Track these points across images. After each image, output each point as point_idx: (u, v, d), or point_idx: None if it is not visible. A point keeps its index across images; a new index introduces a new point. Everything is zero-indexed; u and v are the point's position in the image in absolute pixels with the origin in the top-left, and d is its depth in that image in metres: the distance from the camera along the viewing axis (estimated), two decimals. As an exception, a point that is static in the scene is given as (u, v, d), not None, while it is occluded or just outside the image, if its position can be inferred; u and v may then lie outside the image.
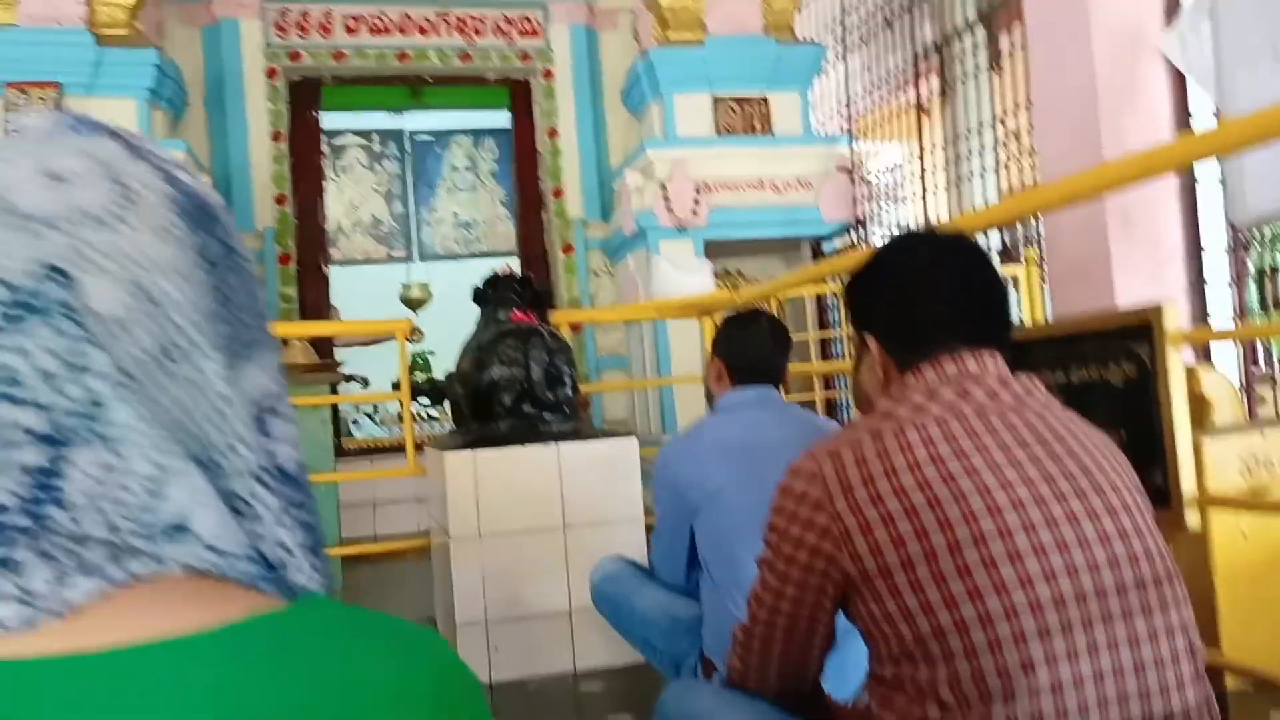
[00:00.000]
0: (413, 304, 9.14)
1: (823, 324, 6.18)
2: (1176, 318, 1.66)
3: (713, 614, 2.12)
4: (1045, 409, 1.34)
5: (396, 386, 6.97)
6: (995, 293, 1.42)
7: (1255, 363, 3.24)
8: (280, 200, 6.70)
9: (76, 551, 0.49)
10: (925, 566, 1.20)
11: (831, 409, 6.00)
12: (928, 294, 1.39)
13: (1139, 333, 1.68)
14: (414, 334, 7.17)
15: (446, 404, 8.01)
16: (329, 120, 7.82)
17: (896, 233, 1.51)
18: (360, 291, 8.74)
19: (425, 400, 8.84)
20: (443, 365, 9.12)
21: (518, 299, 3.24)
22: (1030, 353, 1.95)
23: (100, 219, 0.53)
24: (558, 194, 7.09)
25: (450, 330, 7.88)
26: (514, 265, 7.42)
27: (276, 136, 6.73)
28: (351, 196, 10.18)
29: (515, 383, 2.98)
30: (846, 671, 1.81)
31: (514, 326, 3.08)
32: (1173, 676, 1.19)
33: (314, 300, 6.71)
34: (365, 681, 0.52)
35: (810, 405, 5.45)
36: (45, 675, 0.47)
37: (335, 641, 0.53)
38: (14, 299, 0.49)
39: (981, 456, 1.26)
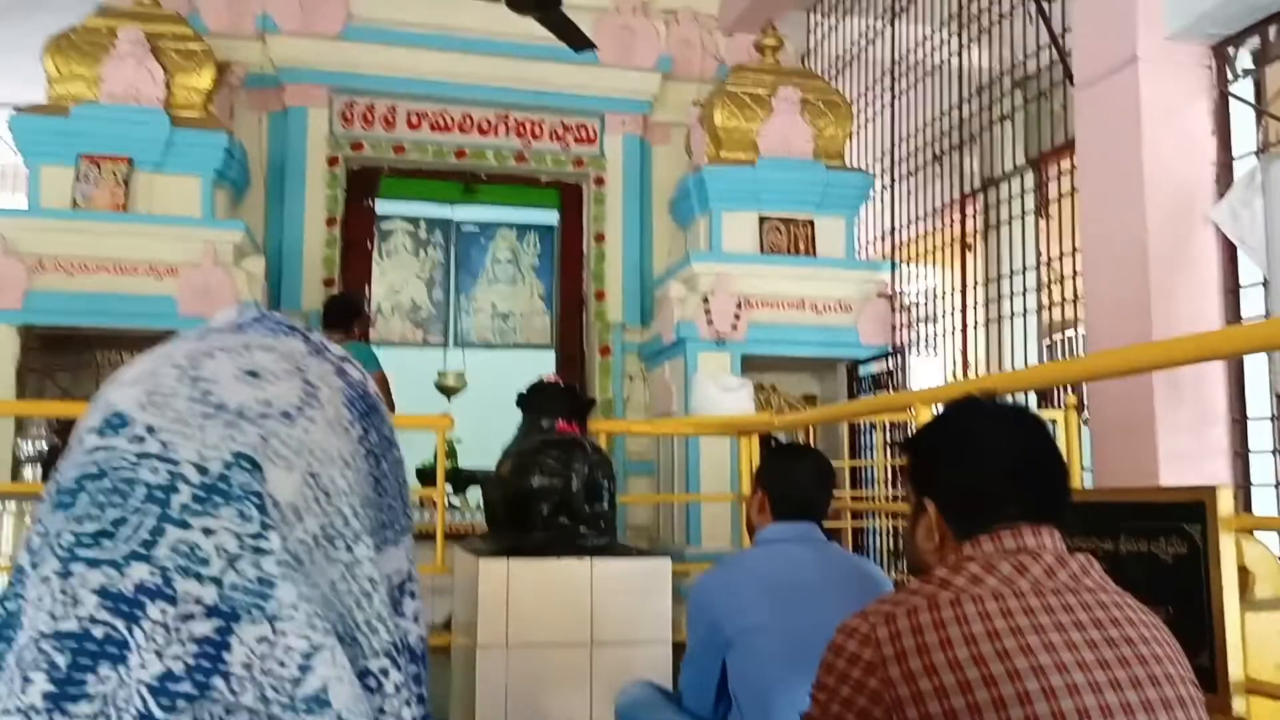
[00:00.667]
0: (447, 391, 9.21)
1: (854, 451, 6.19)
2: (1230, 502, 1.67)
3: (740, 750, 2.10)
4: (1101, 590, 1.35)
5: (421, 472, 7.02)
6: (1057, 469, 1.45)
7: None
8: (328, 283, 6.84)
9: None
10: (996, 738, 1.20)
11: (858, 539, 5.98)
12: (991, 466, 1.42)
13: (1192, 512, 1.69)
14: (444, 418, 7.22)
15: (467, 494, 8.02)
16: (382, 207, 8.03)
17: (960, 398, 1.55)
18: (394, 374, 8.83)
19: (449, 488, 8.85)
20: (469, 453, 9.15)
21: (562, 408, 3.29)
22: (1081, 517, 1.97)
23: (288, 414, 0.58)
24: (600, 296, 7.21)
25: (479, 419, 7.94)
26: (551, 366, 7.51)
27: (330, 222, 6.91)
28: (393, 280, 10.37)
29: (554, 493, 3.01)
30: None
31: (558, 437, 3.12)
32: None
33: (352, 382, 6.78)
34: None
35: (839, 534, 5.43)
36: None
37: None
38: (206, 482, 0.54)
39: (1038, 636, 1.27)
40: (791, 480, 2.33)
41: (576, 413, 3.35)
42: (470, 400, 9.31)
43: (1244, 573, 2.49)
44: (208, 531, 0.54)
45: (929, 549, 1.47)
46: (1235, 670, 1.65)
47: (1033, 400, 4.91)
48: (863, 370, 6.45)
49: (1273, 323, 1.67)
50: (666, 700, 2.48)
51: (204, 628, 0.53)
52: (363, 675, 0.61)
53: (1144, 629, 1.32)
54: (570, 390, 3.42)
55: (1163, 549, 1.75)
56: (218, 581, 0.53)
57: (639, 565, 2.97)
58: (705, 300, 6.08)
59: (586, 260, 7.36)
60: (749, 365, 6.25)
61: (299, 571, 0.56)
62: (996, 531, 1.38)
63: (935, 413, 1.51)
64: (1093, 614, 1.31)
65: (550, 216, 8.19)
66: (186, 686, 0.52)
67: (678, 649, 2.40)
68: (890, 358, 6.22)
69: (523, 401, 3.44)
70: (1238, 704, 1.65)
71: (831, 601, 2.07)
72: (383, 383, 5.63)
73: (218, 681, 0.52)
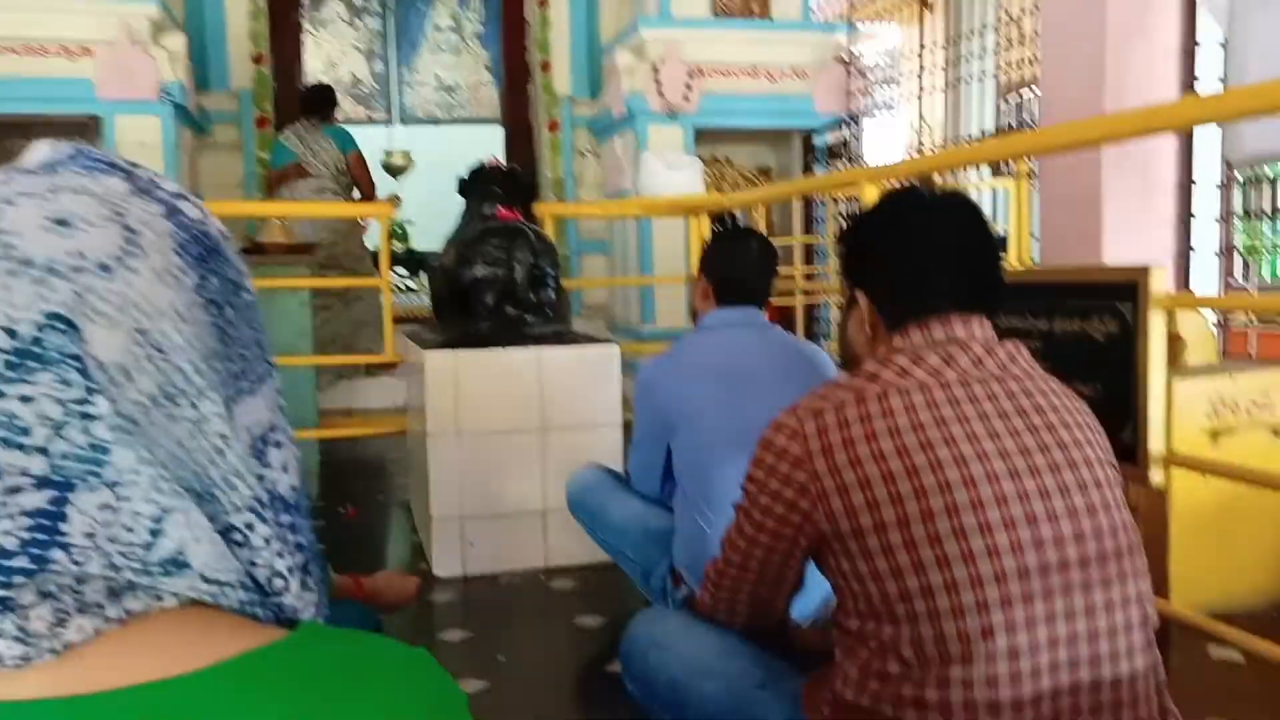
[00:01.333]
0: (394, 171, 8.98)
1: (808, 226, 6.14)
2: (1161, 281, 1.67)
3: (684, 528, 2.18)
4: (1027, 378, 1.36)
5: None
6: (989, 259, 1.42)
7: (1231, 274, 3.27)
8: (258, 59, 6.47)
9: (78, 590, 0.51)
10: (898, 532, 1.24)
11: (810, 319, 6.04)
12: (922, 257, 1.39)
13: (1125, 292, 1.69)
14: (394, 202, 7.07)
15: (424, 276, 7.96)
16: (309, -28, 7.49)
17: (895, 188, 1.50)
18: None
19: (403, 271, 8.79)
20: (422, 234, 9.01)
21: (503, 194, 3.19)
22: (1018, 297, 1.96)
23: (105, 265, 0.53)
24: (545, 68, 6.89)
25: (430, 198, 7.76)
26: (500, 142, 7.27)
27: (254, -9, 6.45)
28: (329, 53, 9.86)
29: (498, 283, 2.97)
30: (806, 590, 1.88)
31: (499, 225, 3.04)
32: (1123, 644, 1.24)
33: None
34: (361, 714, 0.54)
35: (791, 312, 5.47)
36: (40, 718, 0.49)
37: (329, 675, 0.56)
38: (18, 347, 0.50)
39: (961, 427, 1.28)
40: (732, 265, 2.30)
41: (518, 197, 3.26)
42: (419, 178, 9.09)
43: (1177, 341, 2.53)
44: (25, 399, 0.50)
45: (861, 341, 1.46)
46: (1156, 444, 1.70)
47: (986, 170, 4.85)
48: (817, 140, 6.31)
49: (1223, 95, 1.61)
50: (615, 482, 2.55)
51: (35, 499, 0.50)
52: (227, 532, 0.58)
53: (1066, 414, 1.34)
54: (511, 174, 3.30)
55: (1095, 328, 1.76)
56: (44, 451, 0.50)
57: (587, 352, 2.98)
58: (655, 70, 5.83)
59: (530, 28, 6.98)
60: (702, 138, 6.09)
61: (136, 434, 0.53)
62: (926, 322, 1.37)
63: (883, 190, 1.45)
64: (1016, 402, 1.32)
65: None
66: (22, 561, 0.49)
67: (630, 431, 2.44)
68: (846, 126, 6.07)
69: (463, 187, 3.34)
70: (1156, 475, 1.71)
71: (773, 385, 2.10)
72: (360, 163, 5.51)
73: (57, 554, 0.50)
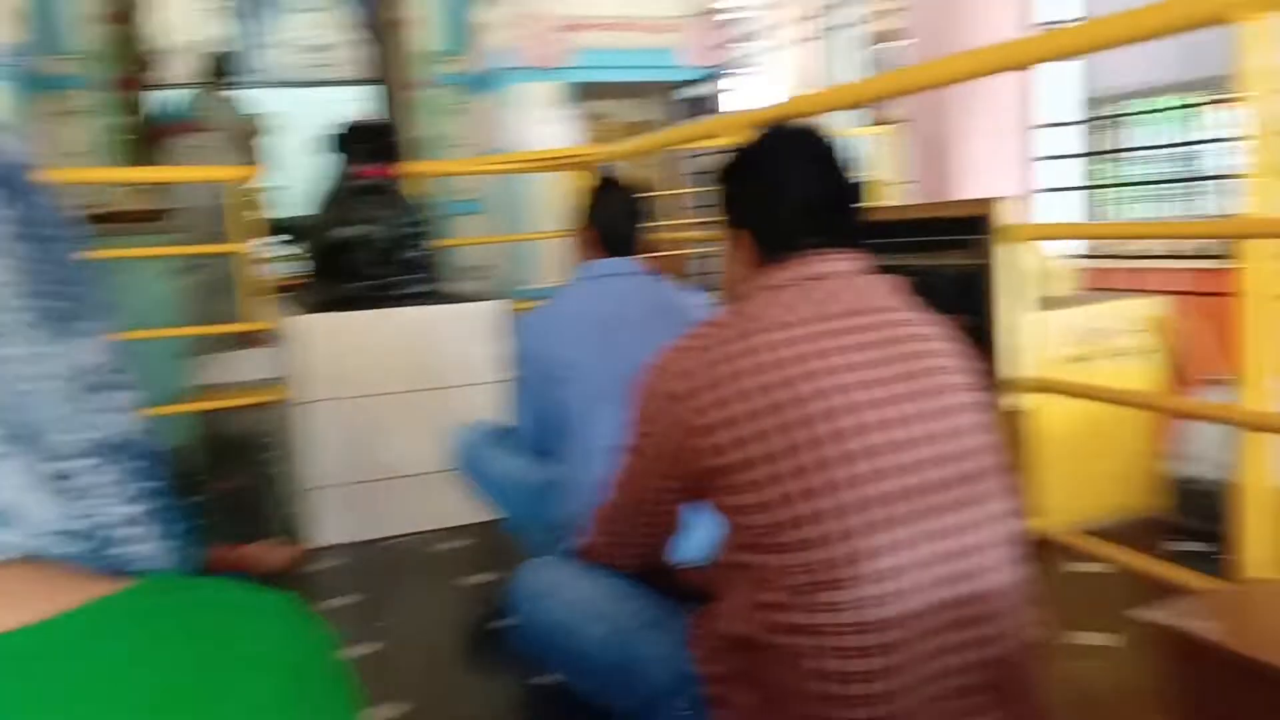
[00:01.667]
0: (254, 135, 8.59)
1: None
2: (1011, 213, 1.73)
3: (569, 480, 2.17)
4: (892, 310, 1.39)
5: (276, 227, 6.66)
6: (851, 196, 1.45)
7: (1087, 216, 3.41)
8: (108, 19, 6.10)
9: None
10: (765, 468, 1.25)
11: (702, 268, 6.06)
12: (792, 193, 1.41)
13: (979, 225, 1.74)
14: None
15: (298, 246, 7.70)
16: (153, -72, 7.06)
17: (766, 127, 1.51)
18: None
19: (284, 238, 8.44)
20: (295, 200, 8.67)
21: (369, 151, 3.09)
22: (878, 235, 2.00)
23: None
24: (409, 24, 6.68)
25: (301, 164, 7.47)
26: (369, 107, 7.04)
27: (94, -54, 6.05)
28: (187, 13, 9.36)
29: (368, 243, 2.89)
30: (691, 533, 1.91)
31: (366, 183, 2.95)
32: (989, 560, 1.29)
33: (146, 131, 6.23)
34: (217, 666, 0.52)
35: (681, 262, 5.49)
36: None
37: (182, 620, 0.53)
38: None
39: (820, 361, 1.30)
40: (607, 215, 2.29)
41: (386, 155, 3.16)
42: (288, 142, 8.74)
43: (1035, 275, 2.64)
44: None
45: (736, 278, 1.47)
46: (1015, 370, 1.77)
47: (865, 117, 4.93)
48: (689, 93, 6.31)
49: (1064, 31, 1.67)
50: (500, 438, 2.53)
51: None
52: (54, 479, 0.55)
53: (929, 341, 1.38)
54: (377, 130, 3.21)
55: (954, 261, 1.82)
56: None
57: (464, 309, 2.93)
58: (523, 23, 5.73)
59: (392, -19, 6.75)
60: (581, 94, 6.02)
61: None
62: (794, 258, 1.39)
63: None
64: (879, 332, 1.35)
65: (349, -67, 7.39)
66: None
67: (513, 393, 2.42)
68: (717, 79, 6.08)
69: (331, 145, 3.22)
70: (1016, 400, 1.78)
71: (652, 332, 2.09)
72: (252, 130, 5.27)
73: None
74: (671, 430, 1.35)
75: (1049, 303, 2.59)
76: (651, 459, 1.39)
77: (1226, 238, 1.40)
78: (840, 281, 1.38)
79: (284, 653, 0.56)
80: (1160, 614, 1.17)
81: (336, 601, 2.37)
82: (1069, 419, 2.47)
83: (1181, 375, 2.63)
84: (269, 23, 9.55)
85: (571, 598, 1.55)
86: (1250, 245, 1.35)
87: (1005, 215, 1.70)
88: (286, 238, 8.21)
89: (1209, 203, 3.07)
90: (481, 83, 6.28)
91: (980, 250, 1.73)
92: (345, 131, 3.14)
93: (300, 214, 6.18)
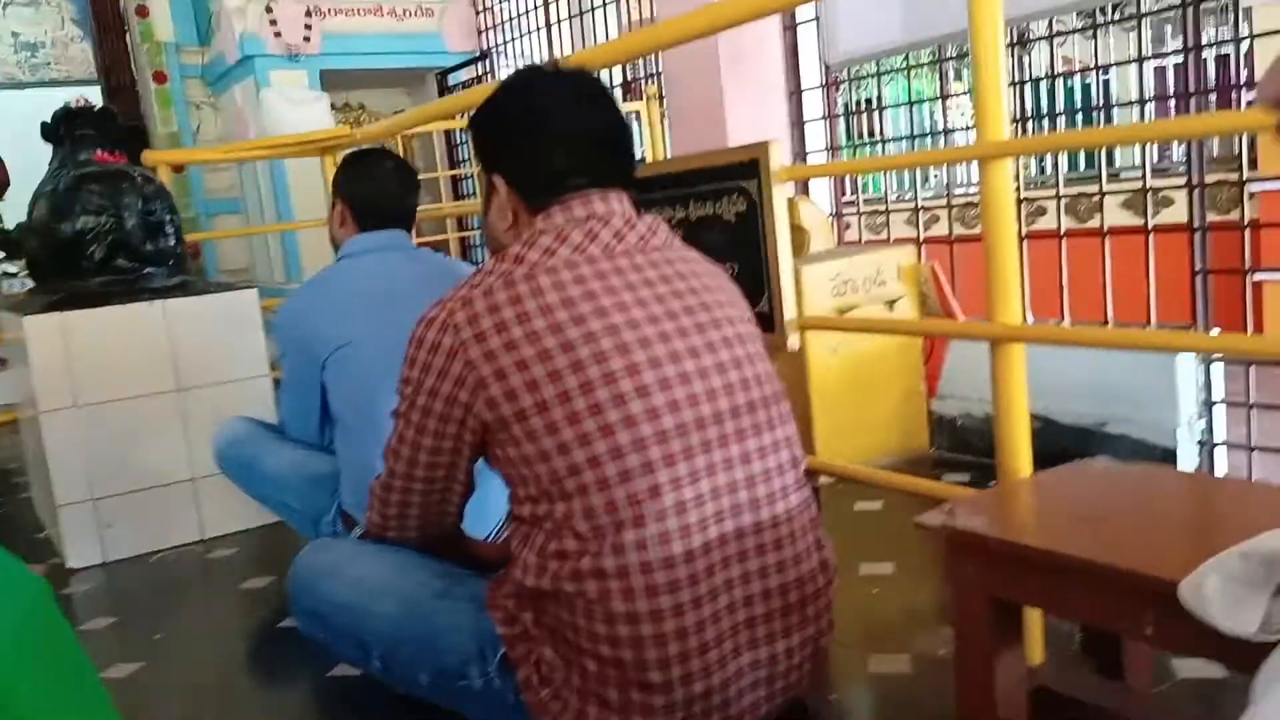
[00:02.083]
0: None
1: (453, 162, 6.03)
2: (780, 156, 1.77)
3: (350, 467, 2.06)
4: (667, 248, 1.39)
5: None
6: (621, 133, 1.43)
7: (844, 192, 3.58)
8: None
9: None
10: (560, 408, 1.22)
11: (465, 250, 5.95)
12: (556, 134, 1.37)
13: (748, 170, 1.77)
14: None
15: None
16: None
17: (521, 68, 1.46)
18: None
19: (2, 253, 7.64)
20: (14, 210, 7.85)
21: (100, 137, 2.82)
22: (651, 190, 2.01)
23: None
24: (142, 13, 6.22)
25: (19, 172, 6.77)
26: (92, 97, 6.48)
27: None
28: None
29: (105, 233, 2.63)
30: (486, 509, 1.84)
31: (99, 169, 2.69)
32: (778, 486, 1.31)
33: None
34: None
35: (444, 247, 5.36)
36: None
37: None
38: None
39: (610, 298, 1.28)
40: (371, 187, 2.18)
41: (119, 141, 2.90)
42: (4, 149, 7.92)
43: (800, 232, 2.74)
44: None
45: (504, 227, 1.42)
46: (789, 310, 1.81)
47: (618, 95, 4.98)
48: (452, 79, 6.19)
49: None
50: (267, 431, 2.37)
51: None
52: None
53: (706, 279, 1.38)
54: (107, 114, 2.93)
55: (726, 209, 1.84)
56: None
57: (220, 301, 2.73)
58: (269, 9, 5.44)
59: (117, -32, 6.26)
60: (331, 82, 5.78)
61: None
62: (567, 201, 1.36)
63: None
64: (660, 270, 1.34)
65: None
66: None
67: (277, 388, 2.27)
68: (479, 62, 5.99)
69: (49, 133, 2.92)
70: (792, 340, 1.83)
71: (426, 306, 2.02)
72: None
73: None
74: (449, 383, 1.29)
75: (815, 257, 2.69)
76: (427, 417, 1.32)
77: (967, 159, 1.48)
78: (617, 221, 1.36)
79: None
80: (936, 517, 1.22)
81: (93, 624, 2.15)
82: (839, 366, 2.58)
83: (938, 317, 2.80)
84: (-26, 18, 8.64)
85: (356, 575, 1.46)
86: (990, 172, 1.43)
87: (775, 158, 1.74)
88: (13, 254, 7.47)
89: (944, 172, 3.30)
90: (227, 73, 5.92)
91: (753, 193, 1.76)
92: (62, 117, 2.85)
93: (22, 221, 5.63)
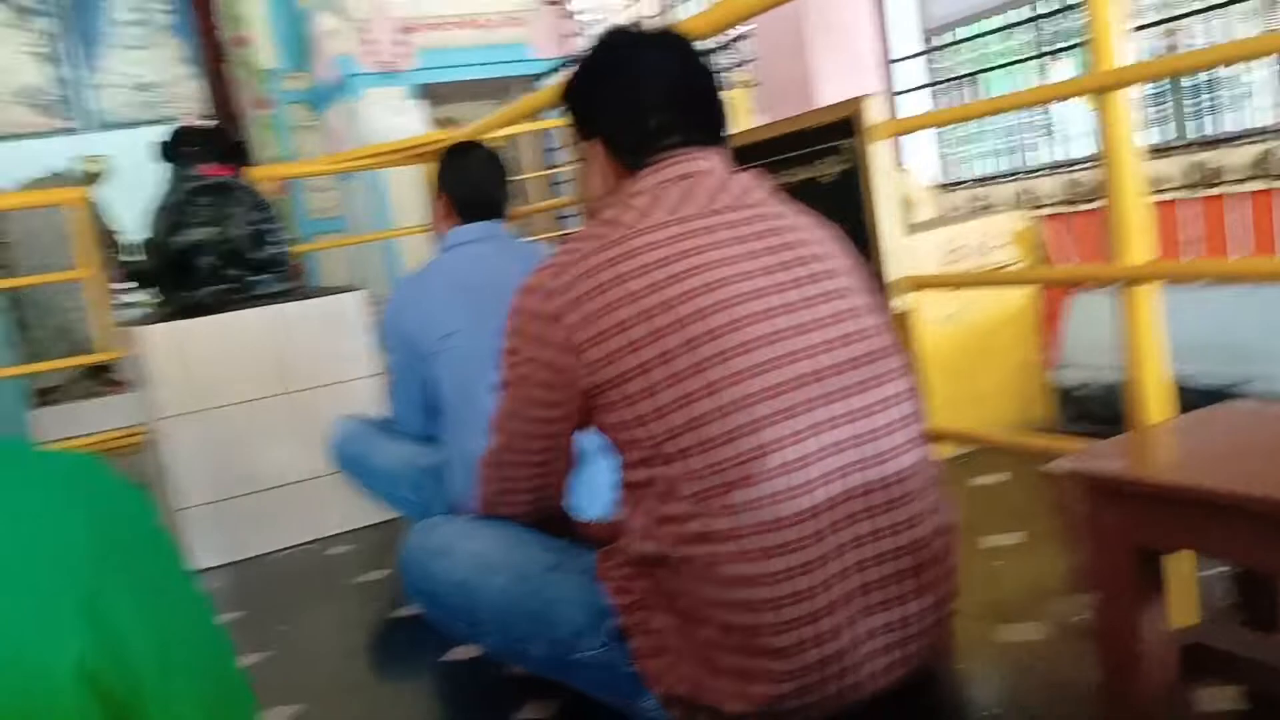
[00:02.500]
0: (88, 180, 8.15)
1: (548, 164, 6.08)
2: (877, 109, 1.70)
3: (457, 458, 2.07)
4: (764, 204, 1.35)
5: (136, 274, 6.29)
6: (712, 90, 1.39)
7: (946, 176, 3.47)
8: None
9: None
10: (661, 369, 1.19)
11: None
12: (649, 93, 1.35)
13: (843, 129, 1.71)
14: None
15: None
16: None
17: (608, 30, 1.44)
18: (27, 169, 7.68)
19: (134, 284, 8.03)
20: (138, 246, 8.21)
21: (207, 152, 2.92)
22: (745, 160, 1.96)
23: None
24: (243, 42, 6.44)
25: (141, 208, 7.08)
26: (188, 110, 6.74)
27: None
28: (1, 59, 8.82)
29: (216, 244, 2.71)
30: (595, 493, 1.83)
31: (208, 182, 2.77)
32: (894, 443, 1.25)
33: (-33, 180, 5.83)
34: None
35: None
36: None
37: None
38: None
39: (708, 255, 1.25)
40: (466, 178, 2.20)
41: (226, 156, 2.99)
42: (124, 186, 8.32)
43: (905, 203, 2.65)
44: None
45: (600, 194, 1.40)
46: (895, 269, 1.74)
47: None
48: (539, 87, 6.23)
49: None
50: (378, 428, 2.40)
51: None
52: None
53: (806, 233, 1.33)
54: (216, 131, 3.03)
55: (823, 171, 1.78)
56: None
57: (326, 304, 2.78)
58: (363, 29, 5.56)
59: (217, 3, 6.50)
60: (426, 97, 5.87)
61: None
62: (661, 161, 1.33)
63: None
64: (757, 227, 1.30)
65: (170, -42, 7.10)
66: None
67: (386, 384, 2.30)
68: (567, 69, 6.02)
69: (164, 153, 3.03)
70: (901, 301, 1.76)
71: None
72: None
73: None
74: (551, 351, 1.27)
75: (920, 226, 2.60)
76: (531, 387, 1.31)
77: (1084, 93, 1.39)
78: (713, 179, 1.32)
79: (84, 511, 0.47)
80: (1069, 462, 1.14)
81: (222, 619, 2.20)
82: (952, 337, 2.49)
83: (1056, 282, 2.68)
84: (92, 64, 9.10)
85: (468, 551, 1.45)
86: (1108, 104, 1.34)
87: (872, 113, 1.67)
88: (143, 285, 7.82)
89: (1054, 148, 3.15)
90: (327, 95, 6.08)
91: (851, 152, 1.70)
92: (175, 136, 2.95)
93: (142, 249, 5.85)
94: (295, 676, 1.80)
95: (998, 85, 3.17)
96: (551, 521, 1.51)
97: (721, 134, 1.39)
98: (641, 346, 1.20)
